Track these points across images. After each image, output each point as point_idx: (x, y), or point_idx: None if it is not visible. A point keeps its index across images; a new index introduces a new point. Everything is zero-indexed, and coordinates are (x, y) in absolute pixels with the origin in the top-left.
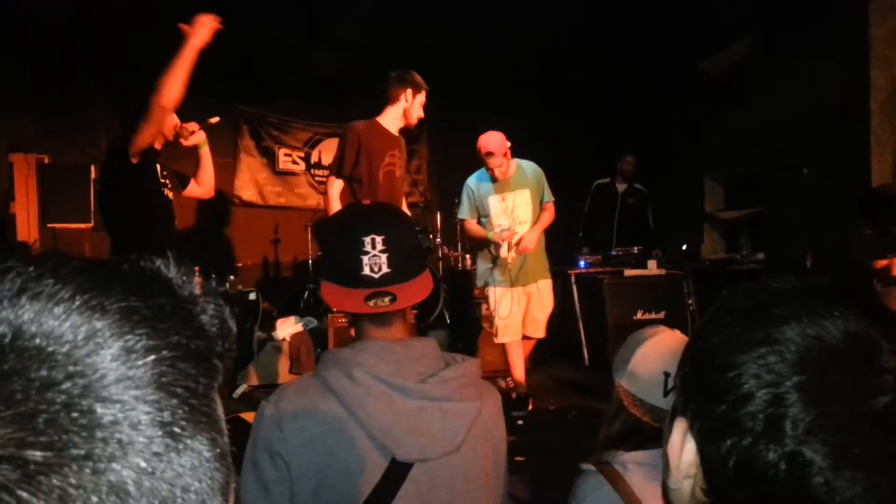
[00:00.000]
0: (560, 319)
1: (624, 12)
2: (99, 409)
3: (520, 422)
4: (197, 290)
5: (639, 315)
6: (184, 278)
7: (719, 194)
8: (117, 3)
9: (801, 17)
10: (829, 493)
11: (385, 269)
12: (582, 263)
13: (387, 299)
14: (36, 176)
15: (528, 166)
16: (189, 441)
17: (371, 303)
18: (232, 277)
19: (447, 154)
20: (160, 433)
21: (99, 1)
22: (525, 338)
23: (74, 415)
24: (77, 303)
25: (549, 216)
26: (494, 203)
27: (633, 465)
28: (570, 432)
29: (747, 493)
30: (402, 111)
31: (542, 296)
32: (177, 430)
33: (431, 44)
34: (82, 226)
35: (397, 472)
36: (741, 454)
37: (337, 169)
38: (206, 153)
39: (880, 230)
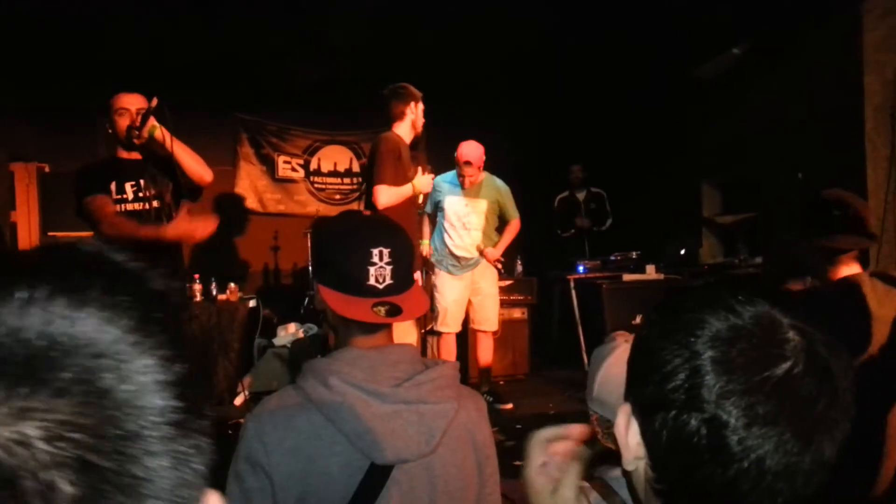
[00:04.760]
0: (559, 324)
1: (617, 17)
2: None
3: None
4: (160, 285)
5: (637, 320)
6: (145, 271)
7: (716, 199)
8: (120, 12)
9: (794, 22)
10: (745, 450)
11: (389, 281)
12: (581, 269)
13: (384, 309)
14: (37, 185)
15: (496, 182)
16: (193, 431)
17: (377, 310)
18: (232, 285)
19: (446, 158)
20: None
21: (101, 10)
22: (481, 332)
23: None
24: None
25: (513, 230)
26: (451, 202)
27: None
28: None
29: (679, 463)
30: (411, 123)
31: (489, 291)
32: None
33: (427, 48)
34: (83, 234)
35: (377, 475)
36: (670, 426)
37: (381, 177)
38: (159, 136)
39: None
